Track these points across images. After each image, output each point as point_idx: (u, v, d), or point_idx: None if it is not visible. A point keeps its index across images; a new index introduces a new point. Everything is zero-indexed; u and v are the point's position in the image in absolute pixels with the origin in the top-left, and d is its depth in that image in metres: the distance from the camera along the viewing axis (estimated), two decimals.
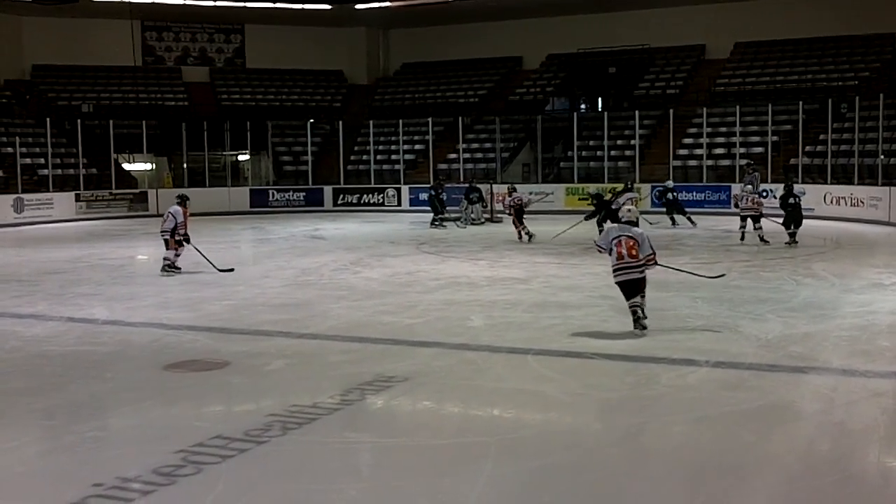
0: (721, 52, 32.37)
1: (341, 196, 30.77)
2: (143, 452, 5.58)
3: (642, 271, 8.80)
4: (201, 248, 14.26)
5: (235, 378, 7.55)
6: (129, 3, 31.70)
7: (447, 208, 24.02)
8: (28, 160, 28.42)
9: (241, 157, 34.19)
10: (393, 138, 32.32)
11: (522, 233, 18.51)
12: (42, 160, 28.70)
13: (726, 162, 27.58)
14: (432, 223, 22.89)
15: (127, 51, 32.72)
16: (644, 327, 8.64)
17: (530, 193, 23.85)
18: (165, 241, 14.07)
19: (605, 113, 30.40)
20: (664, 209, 22.72)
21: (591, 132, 30.17)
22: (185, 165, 32.10)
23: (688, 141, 28.92)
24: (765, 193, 21.54)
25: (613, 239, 8.91)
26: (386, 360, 7.97)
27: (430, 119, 31.87)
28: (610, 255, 8.94)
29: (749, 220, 17.42)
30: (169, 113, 33.13)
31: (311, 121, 32.89)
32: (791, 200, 16.94)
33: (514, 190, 20.91)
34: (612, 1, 31.38)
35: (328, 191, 30.63)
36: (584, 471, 5.36)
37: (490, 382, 7.34)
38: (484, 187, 25.03)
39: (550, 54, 35.09)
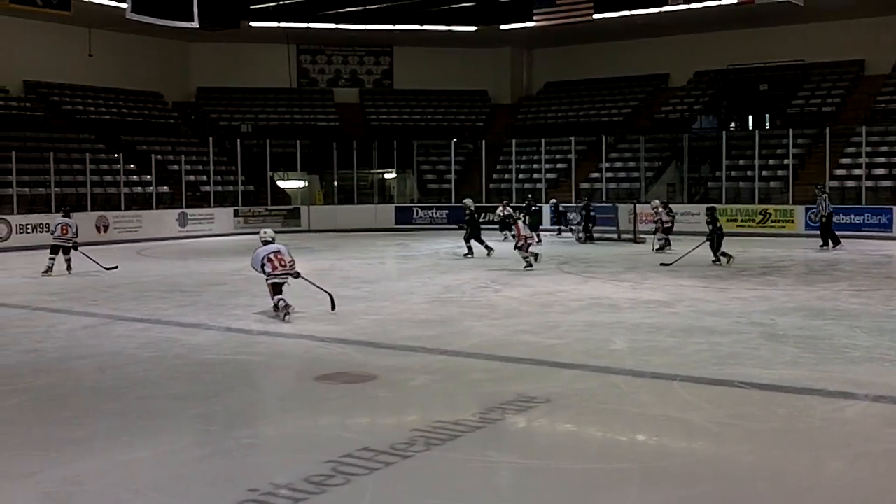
0: (882, 67, 30.81)
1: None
2: (294, 460, 5.83)
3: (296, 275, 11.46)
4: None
5: (381, 391, 7.76)
6: (286, 28, 33.14)
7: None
8: (192, 177, 30.13)
9: (387, 176, 35.07)
10: (535, 157, 32.39)
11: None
12: (204, 177, 30.37)
13: (887, 183, 26.17)
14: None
15: (283, 73, 34.21)
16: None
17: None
18: (67, 248, 16.69)
19: (757, 131, 29.44)
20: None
21: (740, 151, 29.28)
22: (335, 183, 33.28)
23: (845, 161, 27.61)
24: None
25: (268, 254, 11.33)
26: (527, 380, 8.00)
27: (572, 138, 31.75)
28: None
29: None
30: (321, 133, 34.43)
31: (455, 140, 33.39)
32: None
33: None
34: (765, 15, 30.36)
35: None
36: None
37: (634, 407, 7.24)
38: (626, 207, 24.79)
39: (698, 71, 34.35)
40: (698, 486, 5.40)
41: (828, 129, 27.09)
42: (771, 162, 28.71)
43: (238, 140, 31.81)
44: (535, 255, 17.48)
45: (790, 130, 28.05)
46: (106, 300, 13.57)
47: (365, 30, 34.53)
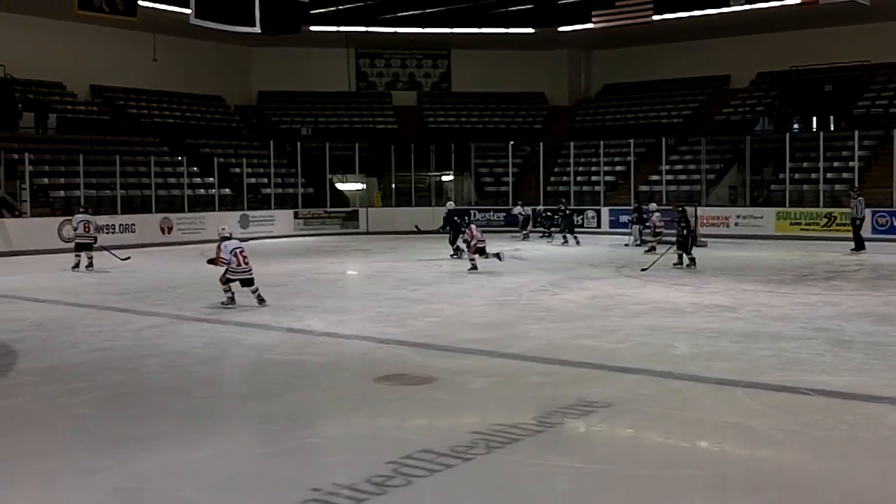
0: None
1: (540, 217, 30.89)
2: (356, 461, 5.89)
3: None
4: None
5: (440, 394, 7.79)
6: (346, 32, 33.51)
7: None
8: (253, 180, 30.62)
9: (444, 178, 35.17)
10: (593, 160, 32.17)
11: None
12: (265, 180, 30.84)
13: None
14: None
15: (342, 77, 34.65)
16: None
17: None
18: (90, 245, 17.48)
19: (821, 133, 28.82)
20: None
21: (804, 153, 28.73)
22: (393, 185, 33.48)
23: None
24: None
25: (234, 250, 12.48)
26: (587, 385, 7.95)
27: (631, 140, 31.46)
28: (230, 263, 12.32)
29: None
30: (379, 135, 34.68)
31: (512, 142, 33.33)
32: None
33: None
34: (829, 15, 29.74)
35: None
36: None
37: (696, 413, 7.16)
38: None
39: (760, 72, 33.79)
40: (762, 494, 5.31)
41: (895, 132, 26.39)
42: (836, 164, 28.09)
43: (298, 143, 32.21)
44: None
45: (856, 132, 27.40)
46: (171, 300, 13.86)
47: (423, 33, 34.70)
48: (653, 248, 21.25)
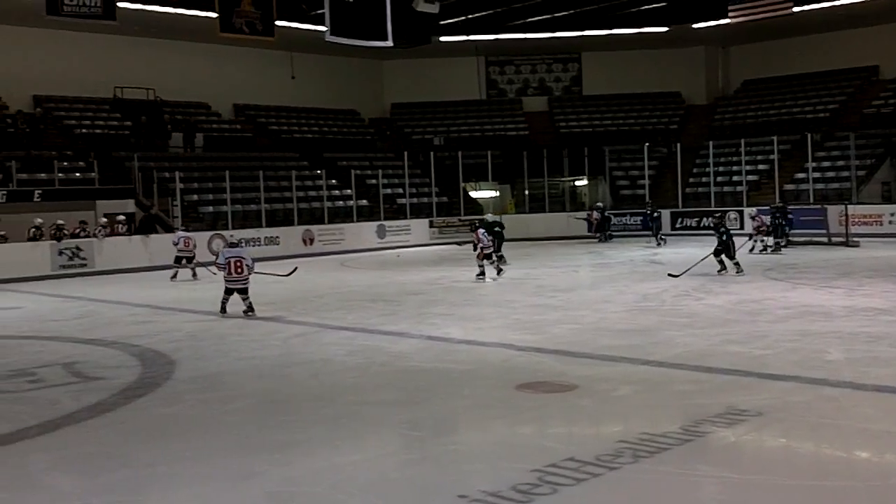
0: None
1: (679, 219, 30.22)
2: (501, 468, 5.89)
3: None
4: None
5: (584, 401, 7.71)
6: (475, 41, 33.75)
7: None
8: (389, 190, 31.24)
9: (578, 183, 34.86)
10: (734, 159, 31.17)
11: None
12: (400, 190, 31.40)
13: None
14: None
15: (472, 86, 34.91)
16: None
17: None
18: (190, 258, 19.30)
19: None
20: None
21: None
22: (526, 192, 33.44)
23: None
24: None
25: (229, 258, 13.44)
26: (736, 393, 7.69)
27: (774, 137, 30.29)
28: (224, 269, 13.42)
29: None
30: (511, 142, 34.74)
31: (648, 144, 32.71)
32: None
33: None
34: None
35: (666, 214, 30.18)
36: None
37: (854, 422, 6.81)
38: (836, 208, 23.41)
39: None
40: None
41: None
42: None
43: (431, 153, 32.66)
44: (499, 268, 17.52)
45: None
46: (315, 310, 14.30)
47: (553, 37, 34.52)
48: (768, 248, 20.89)
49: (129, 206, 25.51)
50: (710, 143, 31.59)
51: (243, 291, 13.62)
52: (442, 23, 29.13)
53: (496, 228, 20.50)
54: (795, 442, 6.54)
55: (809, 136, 29.39)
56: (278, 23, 23.99)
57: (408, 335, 11.28)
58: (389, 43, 19.93)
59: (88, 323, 13.73)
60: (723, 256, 16.95)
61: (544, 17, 31.84)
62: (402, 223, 29.99)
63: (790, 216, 23.27)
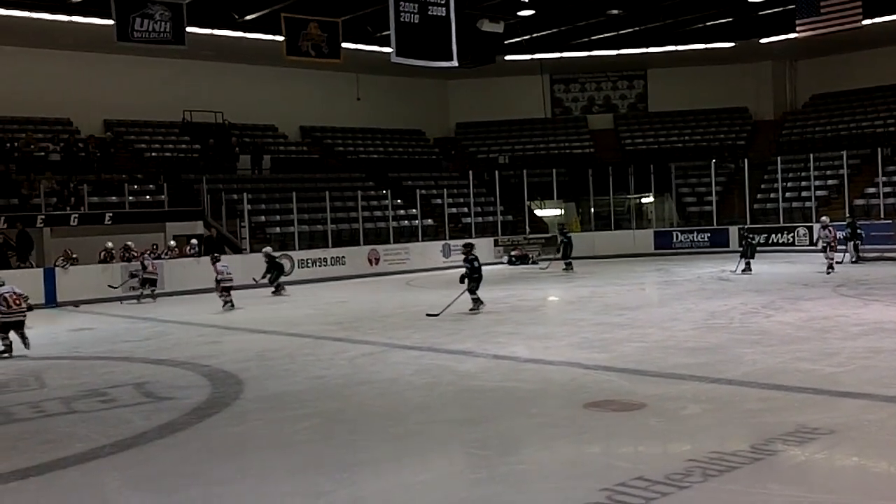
0: None
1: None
2: (569, 487, 5.88)
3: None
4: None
5: (652, 420, 7.64)
6: (540, 59, 33.79)
7: None
8: (454, 209, 31.41)
9: (644, 200, 34.56)
10: (803, 174, 30.59)
11: None
12: (465, 209, 31.54)
13: None
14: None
15: (537, 104, 34.90)
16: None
17: None
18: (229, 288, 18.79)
19: None
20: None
21: None
22: (591, 210, 33.27)
23: None
24: None
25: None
26: (807, 411, 7.56)
27: (844, 152, 29.69)
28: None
29: None
30: (576, 160, 34.65)
31: (715, 160, 32.29)
32: None
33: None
34: None
35: (733, 231, 29.73)
36: None
37: None
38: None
39: None
40: None
41: None
42: None
43: (496, 171, 32.74)
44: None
45: None
46: (381, 329, 14.44)
47: (618, 55, 34.38)
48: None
49: (198, 227, 26.08)
50: (779, 158, 31.06)
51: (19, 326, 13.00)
52: (506, 42, 29.27)
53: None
54: (868, 461, 6.40)
55: (879, 150, 28.72)
56: (344, 45, 24.41)
57: (473, 354, 11.32)
58: (455, 63, 20.09)
59: (158, 343, 14.03)
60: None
61: (609, 34, 31.74)
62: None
63: (860, 231, 22.76)
